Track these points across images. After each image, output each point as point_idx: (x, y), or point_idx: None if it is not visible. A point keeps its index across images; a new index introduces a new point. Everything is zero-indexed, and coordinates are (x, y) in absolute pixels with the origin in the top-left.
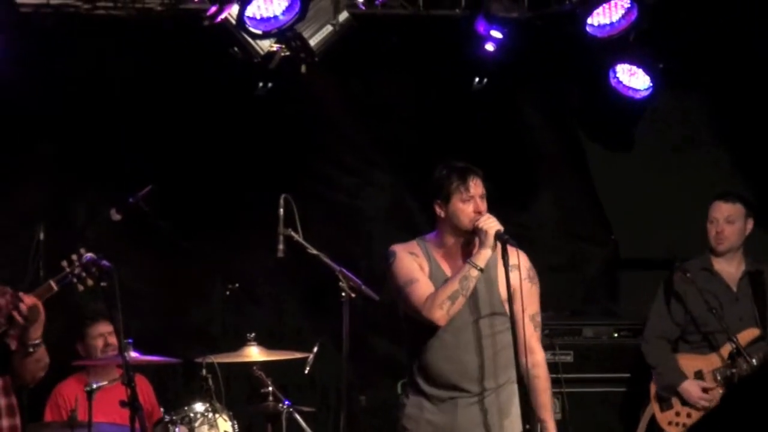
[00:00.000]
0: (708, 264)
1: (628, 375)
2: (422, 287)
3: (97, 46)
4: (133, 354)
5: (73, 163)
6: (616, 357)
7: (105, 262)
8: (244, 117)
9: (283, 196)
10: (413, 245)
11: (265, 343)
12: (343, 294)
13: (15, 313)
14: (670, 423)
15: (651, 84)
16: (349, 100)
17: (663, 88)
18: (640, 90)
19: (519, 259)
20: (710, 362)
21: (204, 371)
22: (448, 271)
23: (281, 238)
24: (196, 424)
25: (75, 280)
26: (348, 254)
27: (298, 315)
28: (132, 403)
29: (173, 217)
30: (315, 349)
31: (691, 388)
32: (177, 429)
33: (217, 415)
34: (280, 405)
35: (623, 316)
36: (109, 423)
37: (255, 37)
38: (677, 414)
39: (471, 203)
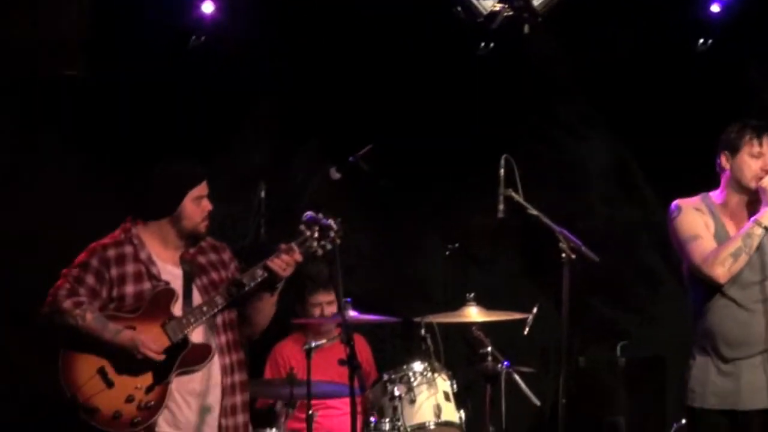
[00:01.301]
0: None
1: None
2: (705, 243)
3: (317, 3)
4: (352, 313)
5: (294, 121)
6: None
7: (325, 221)
8: (465, 77)
9: (504, 156)
10: (698, 201)
11: (484, 303)
12: (563, 255)
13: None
14: None
15: None
16: (570, 59)
17: None
18: None
19: None
20: None
21: (423, 331)
22: (731, 231)
23: (501, 198)
24: (415, 384)
25: (315, 244)
26: (568, 215)
27: (518, 276)
28: (351, 362)
29: (393, 177)
30: (534, 310)
31: None
32: (396, 388)
33: (435, 375)
34: (499, 365)
35: None
36: (328, 381)
37: None
38: None
39: (760, 160)
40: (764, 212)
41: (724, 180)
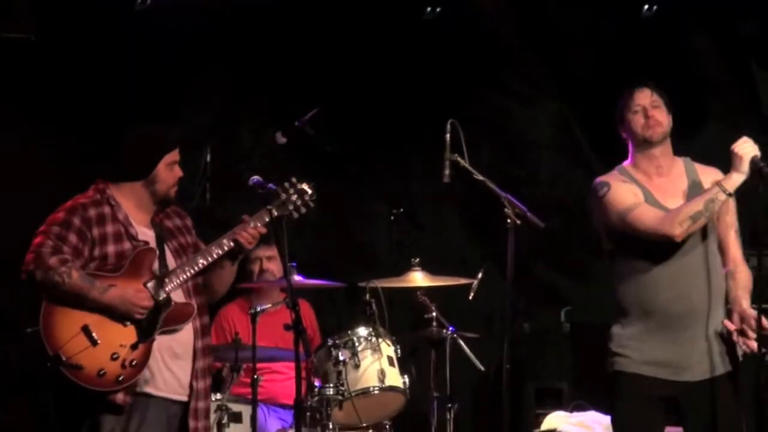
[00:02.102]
0: None
1: None
2: (649, 208)
3: None
4: (297, 278)
5: (239, 86)
6: None
7: (271, 185)
8: (412, 40)
9: (449, 121)
10: (617, 174)
11: (429, 268)
12: (509, 220)
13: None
14: None
15: None
16: (518, 24)
17: None
18: None
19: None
20: None
21: (367, 296)
22: (659, 196)
23: (447, 163)
24: (359, 349)
25: (291, 207)
26: (513, 180)
27: (463, 241)
28: (296, 327)
29: (339, 141)
30: (479, 276)
31: None
32: (340, 353)
33: (380, 340)
34: (444, 331)
35: None
36: (273, 347)
37: None
38: None
39: (640, 114)
40: (731, 177)
41: (630, 149)
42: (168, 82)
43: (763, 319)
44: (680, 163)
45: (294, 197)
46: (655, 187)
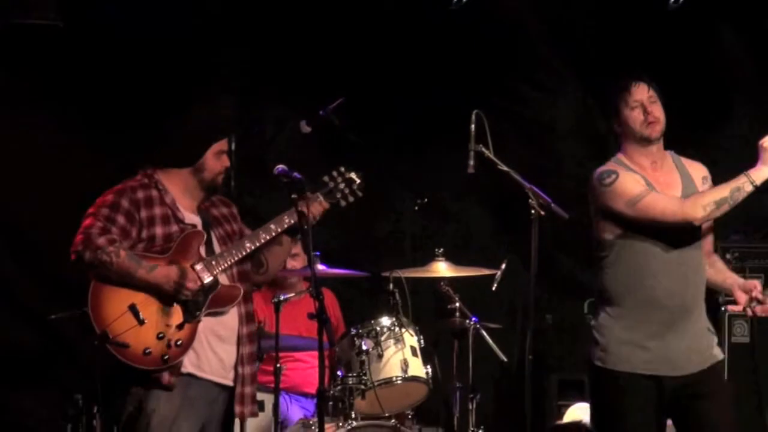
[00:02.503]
0: None
1: None
2: (661, 194)
3: None
4: (321, 267)
5: (264, 74)
6: None
7: (296, 174)
8: (438, 32)
9: (474, 111)
10: (619, 165)
11: (453, 258)
12: (533, 211)
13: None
14: None
15: None
16: (542, 15)
17: None
18: None
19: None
20: None
21: (391, 285)
22: (657, 185)
23: (472, 153)
24: (382, 338)
25: (339, 196)
26: (538, 171)
27: (487, 231)
28: (319, 316)
29: (364, 131)
30: (503, 266)
31: None
32: (363, 342)
33: (403, 330)
34: (467, 321)
35: None
36: (296, 335)
37: None
38: None
39: (639, 109)
40: (760, 169)
41: (623, 142)
42: (193, 70)
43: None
44: (669, 157)
45: (342, 185)
46: (653, 180)
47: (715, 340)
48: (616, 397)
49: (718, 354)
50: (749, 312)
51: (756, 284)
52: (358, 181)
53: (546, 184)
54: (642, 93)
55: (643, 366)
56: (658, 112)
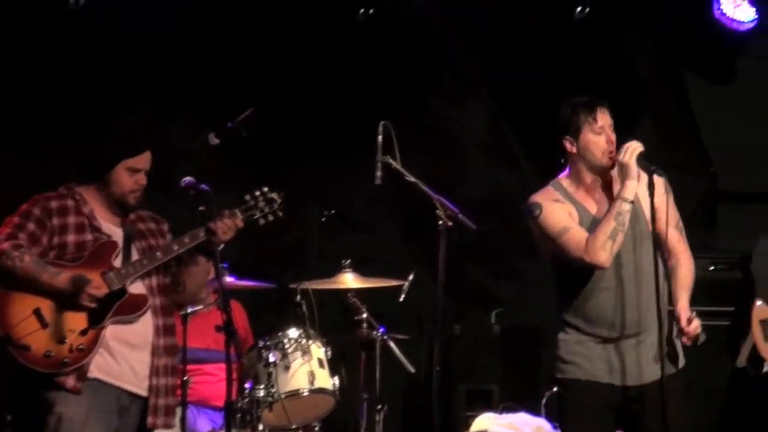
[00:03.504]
0: None
1: (724, 308)
2: (577, 233)
3: None
4: (228, 279)
5: (172, 86)
6: (712, 290)
7: (204, 186)
8: (345, 43)
9: (382, 122)
10: (552, 192)
11: (360, 269)
12: (440, 222)
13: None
14: None
15: (756, 16)
16: (449, 27)
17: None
18: (744, 22)
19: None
20: None
21: (298, 297)
22: (594, 211)
23: (379, 164)
24: (290, 350)
25: (258, 214)
26: (445, 182)
27: (394, 242)
28: (227, 328)
29: (272, 142)
30: (410, 277)
31: None
32: (270, 354)
33: (310, 342)
34: (375, 332)
35: (720, 250)
36: (204, 348)
37: None
38: None
39: (602, 135)
40: (626, 186)
41: (572, 163)
42: (101, 82)
43: (695, 320)
44: (615, 179)
45: (262, 204)
46: (595, 203)
47: (676, 351)
48: (571, 406)
49: (672, 366)
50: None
51: (683, 313)
52: (279, 201)
53: (454, 195)
54: (605, 119)
55: (595, 375)
56: (614, 139)
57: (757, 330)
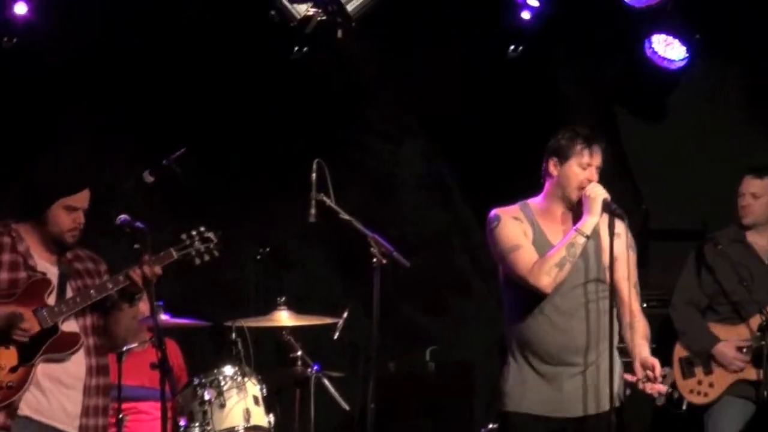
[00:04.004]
0: (740, 236)
1: (654, 345)
2: (527, 253)
3: (136, 6)
4: (163, 317)
5: (107, 123)
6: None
7: (139, 224)
8: (279, 81)
9: (316, 160)
10: (516, 210)
11: (295, 307)
12: (374, 260)
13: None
14: (691, 391)
15: (687, 55)
16: (384, 66)
17: (698, 60)
18: (675, 61)
19: (622, 227)
20: (738, 334)
21: (233, 335)
22: (551, 238)
23: (313, 202)
24: (225, 388)
25: (194, 253)
26: (379, 220)
27: (329, 280)
28: (162, 366)
29: (206, 180)
30: (345, 315)
31: (725, 349)
32: (206, 392)
33: (245, 379)
34: (309, 370)
35: (651, 286)
36: (139, 386)
37: (292, 1)
38: (699, 383)
39: (587, 171)
40: (586, 220)
41: (548, 186)
42: (38, 121)
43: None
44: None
45: (198, 243)
46: (555, 231)
47: (618, 386)
48: None
49: (613, 401)
50: (640, 386)
51: (655, 365)
52: (215, 241)
53: (388, 233)
54: (597, 159)
55: (535, 407)
56: (595, 179)
57: (677, 368)
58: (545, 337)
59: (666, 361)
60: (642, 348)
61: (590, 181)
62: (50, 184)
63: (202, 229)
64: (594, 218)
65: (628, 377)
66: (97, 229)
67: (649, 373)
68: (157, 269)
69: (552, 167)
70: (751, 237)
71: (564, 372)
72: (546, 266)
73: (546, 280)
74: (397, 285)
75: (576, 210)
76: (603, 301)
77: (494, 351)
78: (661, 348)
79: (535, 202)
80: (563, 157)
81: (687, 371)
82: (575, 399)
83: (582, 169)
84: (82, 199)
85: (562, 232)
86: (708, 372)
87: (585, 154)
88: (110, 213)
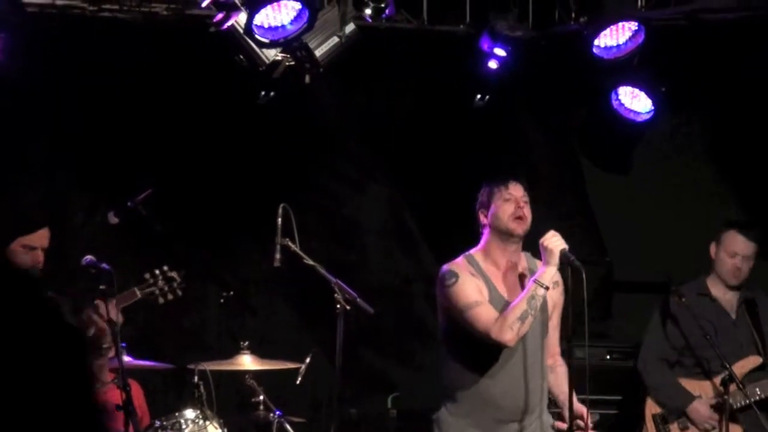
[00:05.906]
0: (704, 289)
1: (619, 397)
2: (487, 310)
3: (101, 48)
4: (126, 358)
5: (71, 164)
6: (607, 379)
7: (104, 265)
8: (245, 125)
9: (281, 205)
10: (466, 264)
11: (258, 351)
12: (338, 306)
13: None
14: None
15: (652, 107)
16: (350, 111)
17: (664, 112)
18: (641, 113)
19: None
20: (704, 389)
21: (196, 378)
22: (503, 291)
23: (278, 247)
24: (186, 431)
25: (157, 292)
26: (344, 266)
27: (292, 325)
28: (126, 407)
29: (170, 222)
30: (307, 360)
31: (700, 407)
32: None
33: (207, 423)
34: (271, 415)
35: (615, 339)
36: None
37: (261, 45)
38: None
39: (511, 202)
40: (544, 271)
41: (485, 235)
42: None
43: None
44: (524, 260)
45: (161, 283)
46: (503, 282)
47: None
48: None
49: None
50: None
51: (583, 413)
52: (179, 280)
53: (352, 279)
54: (518, 191)
55: None
56: (527, 212)
57: (650, 425)
58: (497, 392)
59: (635, 416)
60: (568, 395)
61: (520, 208)
62: (7, 223)
63: (166, 268)
64: (552, 269)
65: (559, 424)
66: (60, 269)
67: (580, 422)
68: (102, 324)
69: (483, 218)
70: (716, 290)
71: (511, 426)
72: (508, 321)
73: (509, 334)
74: (360, 331)
75: (516, 251)
76: (542, 351)
77: None
78: (628, 401)
79: (477, 253)
80: (488, 203)
81: (662, 428)
82: None
83: (507, 202)
84: (39, 238)
85: (513, 287)
86: (684, 429)
87: (503, 190)
88: (73, 253)
